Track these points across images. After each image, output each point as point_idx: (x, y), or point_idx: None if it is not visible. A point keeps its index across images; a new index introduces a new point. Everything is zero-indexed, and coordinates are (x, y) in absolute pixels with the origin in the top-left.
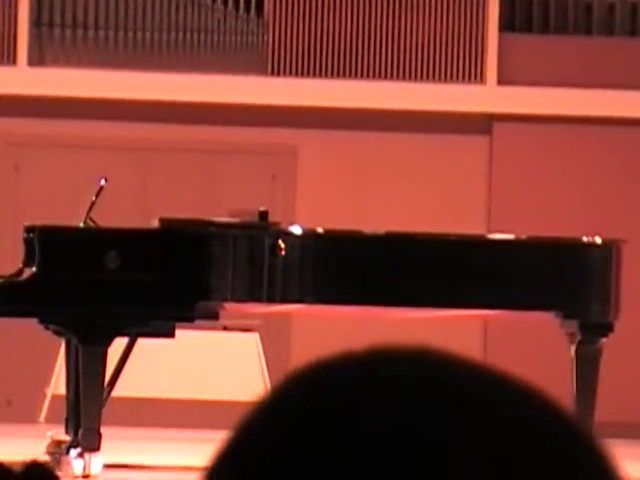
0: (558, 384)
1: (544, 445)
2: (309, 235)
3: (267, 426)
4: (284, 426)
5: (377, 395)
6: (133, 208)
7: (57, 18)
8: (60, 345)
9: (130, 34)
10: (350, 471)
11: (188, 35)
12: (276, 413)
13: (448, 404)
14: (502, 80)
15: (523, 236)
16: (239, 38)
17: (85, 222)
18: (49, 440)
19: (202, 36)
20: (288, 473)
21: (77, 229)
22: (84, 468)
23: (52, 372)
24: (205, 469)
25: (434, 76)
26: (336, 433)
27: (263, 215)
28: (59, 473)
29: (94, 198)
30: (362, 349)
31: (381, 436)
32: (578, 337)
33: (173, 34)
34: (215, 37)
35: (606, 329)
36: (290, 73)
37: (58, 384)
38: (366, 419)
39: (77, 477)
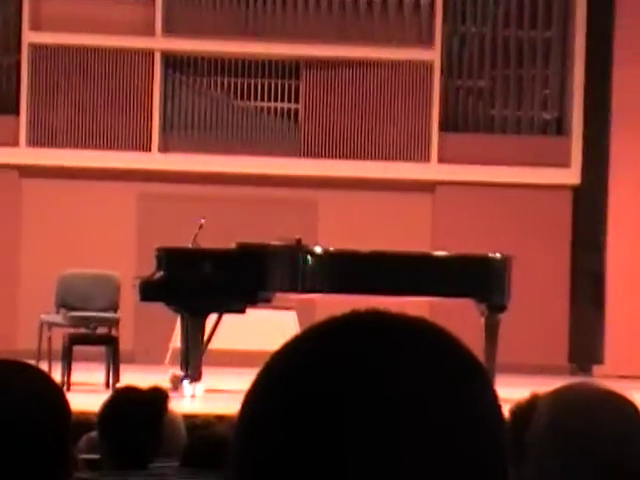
0: (476, 341)
1: (447, 374)
2: (325, 252)
3: (281, 370)
4: (292, 371)
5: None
6: (219, 236)
7: (175, 121)
8: (177, 318)
9: (216, 132)
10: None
11: (251, 132)
12: (286, 361)
13: (383, 349)
14: (441, 159)
15: (454, 253)
16: (281, 133)
17: (192, 244)
18: (171, 374)
19: (258, 133)
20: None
21: (186, 248)
22: (192, 391)
23: (172, 333)
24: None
25: (398, 157)
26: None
27: (298, 240)
28: (177, 394)
29: (197, 230)
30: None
31: (337, 379)
32: (486, 313)
33: (241, 132)
34: (267, 134)
35: (502, 309)
36: (314, 155)
37: (176, 341)
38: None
39: (187, 396)
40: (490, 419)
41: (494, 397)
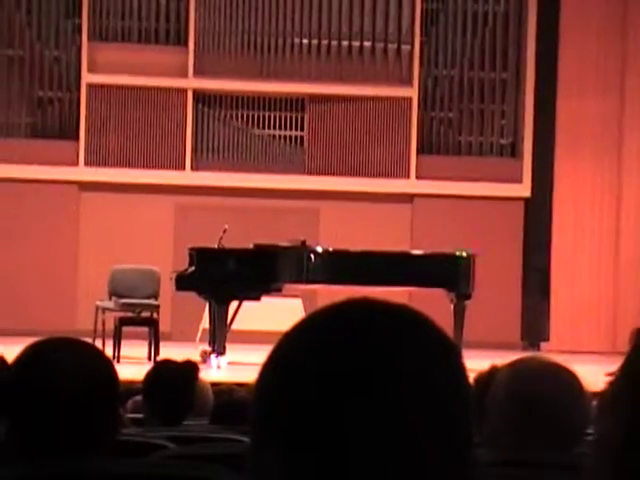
0: (447, 322)
1: (428, 353)
2: (325, 251)
3: (295, 344)
4: (304, 348)
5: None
6: (239, 238)
7: (205, 146)
8: (206, 304)
9: (237, 154)
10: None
11: (265, 155)
12: (295, 341)
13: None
14: (418, 176)
15: (428, 251)
16: (290, 155)
17: (218, 245)
18: (201, 350)
19: (271, 155)
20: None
21: (213, 248)
22: (217, 363)
23: (202, 317)
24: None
25: (384, 174)
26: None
27: (303, 242)
28: (205, 366)
29: (222, 234)
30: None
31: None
32: (454, 300)
33: (257, 155)
34: (278, 156)
35: (468, 297)
36: (316, 173)
37: (205, 322)
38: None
39: (214, 368)
40: (462, 384)
41: (464, 367)
